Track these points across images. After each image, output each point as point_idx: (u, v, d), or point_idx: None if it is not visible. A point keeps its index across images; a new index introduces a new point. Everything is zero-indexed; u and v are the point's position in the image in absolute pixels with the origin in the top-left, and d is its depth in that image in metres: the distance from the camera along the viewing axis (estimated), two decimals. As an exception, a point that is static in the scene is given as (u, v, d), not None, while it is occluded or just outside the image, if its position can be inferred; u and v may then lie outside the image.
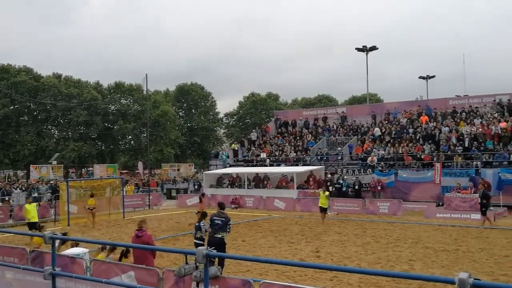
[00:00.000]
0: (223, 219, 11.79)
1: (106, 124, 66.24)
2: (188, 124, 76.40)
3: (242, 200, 29.59)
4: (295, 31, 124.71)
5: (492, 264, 12.74)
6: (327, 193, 22.08)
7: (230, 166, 36.55)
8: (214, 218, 11.92)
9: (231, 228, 12.14)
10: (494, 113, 31.10)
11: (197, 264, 7.11)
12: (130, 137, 69.12)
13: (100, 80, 69.06)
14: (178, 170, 60.11)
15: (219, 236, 11.67)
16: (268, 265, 12.35)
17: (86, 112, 61.46)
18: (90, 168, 61.03)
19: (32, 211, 18.18)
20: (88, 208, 22.04)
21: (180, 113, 77.26)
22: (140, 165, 40.92)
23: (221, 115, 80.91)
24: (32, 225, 17.62)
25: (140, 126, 65.56)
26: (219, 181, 34.05)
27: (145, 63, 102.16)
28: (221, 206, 12.54)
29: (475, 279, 4.32)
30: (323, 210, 21.54)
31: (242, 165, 36.07)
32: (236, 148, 39.79)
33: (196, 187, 37.60)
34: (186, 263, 7.71)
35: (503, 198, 23.48)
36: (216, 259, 10.71)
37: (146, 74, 32.02)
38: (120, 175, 47.82)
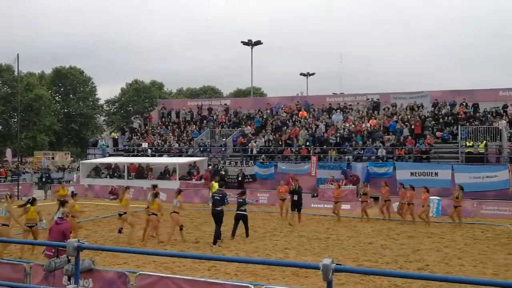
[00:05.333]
0: (221, 195, 15.39)
1: (-32, 107, 60.08)
2: (65, 110, 72.00)
3: (121, 191, 28.61)
4: (181, 19, 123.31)
5: (358, 251, 13.79)
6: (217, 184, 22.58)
7: (110, 155, 35.28)
8: (214, 194, 15.85)
9: (228, 202, 15.64)
10: (365, 111, 33.62)
11: (69, 257, 6.80)
12: (-2, 121, 63.39)
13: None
14: (53, 158, 56.58)
15: (219, 209, 15.09)
16: (146, 256, 12.16)
17: None
18: None
19: None
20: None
21: (57, 98, 72.47)
22: (8, 152, 37.68)
23: (101, 102, 77.48)
24: None
25: (10, 110, 60.46)
26: (97, 171, 32.69)
27: (17, 41, 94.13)
28: (220, 185, 18.15)
29: (337, 264, 4.63)
30: None
31: (122, 155, 34.99)
32: (117, 137, 38.43)
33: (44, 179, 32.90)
34: (57, 256, 7.33)
35: (369, 189, 25.42)
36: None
37: (18, 54, 29.43)
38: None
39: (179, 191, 15.92)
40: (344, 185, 24.53)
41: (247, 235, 15.90)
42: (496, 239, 15.87)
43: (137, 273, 7.35)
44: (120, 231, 15.00)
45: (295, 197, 19.40)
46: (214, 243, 14.59)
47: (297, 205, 19.32)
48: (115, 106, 77.64)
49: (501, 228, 18.32)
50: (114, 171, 32.27)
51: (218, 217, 15.14)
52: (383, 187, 20.68)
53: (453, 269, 11.68)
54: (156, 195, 15.32)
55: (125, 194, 15.54)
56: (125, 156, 34.52)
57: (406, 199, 19.33)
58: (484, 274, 11.18)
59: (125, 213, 15.03)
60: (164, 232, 15.77)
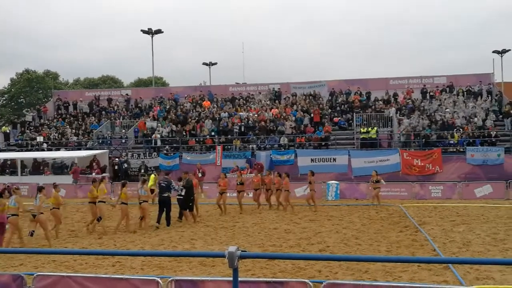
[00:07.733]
0: (166, 182, 16.60)
1: None
2: None
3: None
4: (77, 6, 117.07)
5: (263, 237, 14.15)
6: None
7: (1, 151, 32.88)
8: (160, 182, 17.08)
9: (175, 188, 16.72)
10: (267, 101, 34.37)
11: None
12: None
13: None
14: None
15: (166, 195, 16.28)
16: (46, 256, 11.56)
17: None
18: None
19: None
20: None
21: None
22: None
23: (-13, 94, 71.47)
24: None
25: None
26: (-14, 168, 30.34)
27: None
28: (166, 173, 19.26)
29: (242, 251, 4.73)
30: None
31: (15, 150, 32.77)
32: (8, 131, 35.86)
33: None
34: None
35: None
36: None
37: None
38: None
39: (143, 181, 16.77)
40: (250, 173, 24.94)
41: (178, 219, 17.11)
42: (389, 219, 17.07)
43: (35, 275, 6.96)
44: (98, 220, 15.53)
45: (183, 192, 16.78)
46: (168, 224, 16.27)
47: (186, 202, 16.90)
48: (4, 98, 72.11)
49: (393, 208, 19.73)
50: (6, 168, 30.13)
51: (165, 203, 16.33)
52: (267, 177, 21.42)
53: (351, 249, 12.40)
54: (124, 185, 15.97)
55: (101, 184, 16.08)
56: (18, 151, 32.39)
57: (274, 185, 20.13)
58: (379, 252, 12.00)
59: (104, 202, 15.72)
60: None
